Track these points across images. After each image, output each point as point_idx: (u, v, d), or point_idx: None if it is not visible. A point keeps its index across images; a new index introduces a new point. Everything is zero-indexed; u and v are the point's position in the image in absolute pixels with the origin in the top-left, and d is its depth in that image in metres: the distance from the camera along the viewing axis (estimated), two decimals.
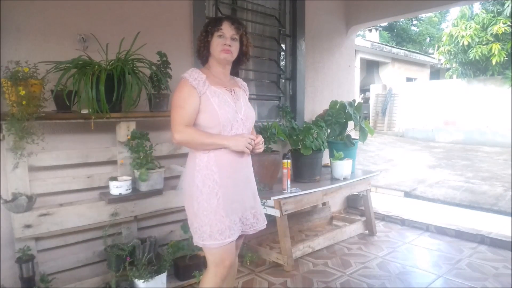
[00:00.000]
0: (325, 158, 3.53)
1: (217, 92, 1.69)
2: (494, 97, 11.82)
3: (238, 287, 2.58)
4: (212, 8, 3.21)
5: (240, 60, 1.83)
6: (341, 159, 3.28)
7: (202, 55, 1.79)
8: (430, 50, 21.31)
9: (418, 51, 19.07)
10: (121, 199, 2.35)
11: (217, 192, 1.67)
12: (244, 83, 1.91)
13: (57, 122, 2.24)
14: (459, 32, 12.05)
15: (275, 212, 2.76)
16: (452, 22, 13.13)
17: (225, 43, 1.70)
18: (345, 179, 3.28)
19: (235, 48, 1.74)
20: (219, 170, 1.68)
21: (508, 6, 11.12)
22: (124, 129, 2.38)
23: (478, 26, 11.82)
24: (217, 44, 1.71)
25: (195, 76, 1.68)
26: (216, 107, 1.66)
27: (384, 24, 19.00)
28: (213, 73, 1.77)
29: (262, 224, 1.90)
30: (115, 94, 2.14)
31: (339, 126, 3.55)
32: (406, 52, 17.17)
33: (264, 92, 3.79)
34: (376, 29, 18.93)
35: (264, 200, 2.78)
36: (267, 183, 2.92)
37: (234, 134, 1.71)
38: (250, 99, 3.76)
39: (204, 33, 1.75)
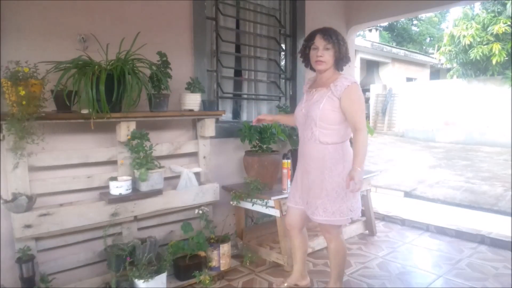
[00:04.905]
0: None
1: (303, 94, 2.25)
2: (494, 97, 11.82)
3: (238, 287, 2.58)
4: (212, 8, 3.21)
5: (338, 63, 2.11)
6: None
7: (307, 65, 2.22)
8: (430, 50, 21.31)
9: (418, 51, 19.08)
10: (121, 199, 2.35)
11: None
12: (339, 83, 2.04)
13: (57, 122, 2.24)
14: (460, 32, 12.04)
15: (275, 212, 2.76)
16: (453, 22, 13.12)
17: (318, 55, 2.05)
18: None
19: (328, 57, 2.06)
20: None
21: (509, 6, 11.11)
22: (124, 129, 2.38)
23: (478, 26, 11.82)
24: (312, 56, 2.10)
25: (305, 83, 2.33)
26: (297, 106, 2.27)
27: (384, 24, 19.00)
28: (316, 78, 2.23)
29: (310, 214, 2.17)
30: (115, 94, 2.14)
31: None
32: (406, 52, 17.18)
33: (264, 92, 3.79)
34: (376, 29, 18.94)
35: (265, 200, 2.78)
36: (267, 183, 2.92)
37: (300, 126, 2.20)
38: (249, 99, 3.77)
39: (303, 47, 2.16)
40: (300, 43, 3.79)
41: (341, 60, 2.10)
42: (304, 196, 2.21)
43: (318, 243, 3.14)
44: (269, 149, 3.06)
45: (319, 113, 2.03)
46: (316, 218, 2.11)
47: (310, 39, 2.09)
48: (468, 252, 3.18)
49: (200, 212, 2.68)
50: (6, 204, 2.04)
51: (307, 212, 2.19)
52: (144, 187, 2.43)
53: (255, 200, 2.83)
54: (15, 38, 2.17)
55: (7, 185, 2.13)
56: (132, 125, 2.40)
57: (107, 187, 2.39)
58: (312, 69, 2.19)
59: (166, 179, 2.65)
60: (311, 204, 2.14)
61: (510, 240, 3.24)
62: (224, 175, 3.19)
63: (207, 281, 2.48)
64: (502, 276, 2.73)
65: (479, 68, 12.30)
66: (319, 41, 2.05)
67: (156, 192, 2.48)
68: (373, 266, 2.90)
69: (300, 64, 3.81)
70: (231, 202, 2.91)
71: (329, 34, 2.05)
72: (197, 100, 2.74)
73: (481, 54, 11.59)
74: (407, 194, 5.45)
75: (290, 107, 3.79)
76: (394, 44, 20.47)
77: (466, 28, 11.95)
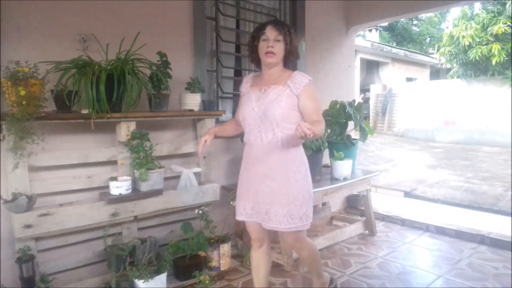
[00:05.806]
0: (325, 158, 3.53)
1: (248, 93, 2.01)
2: (494, 97, 11.82)
3: (238, 287, 2.58)
4: (212, 8, 3.21)
5: (288, 58, 1.99)
6: (341, 159, 3.27)
7: (254, 60, 2.04)
8: (430, 50, 21.30)
9: (418, 51, 19.07)
10: (121, 199, 2.35)
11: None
12: (298, 80, 1.92)
13: (57, 122, 2.24)
14: (460, 32, 12.04)
15: None
16: (452, 22, 13.12)
17: (268, 45, 1.88)
18: (345, 179, 3.28)
19: (278, 49, 1.90)
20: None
21: (509, 6, 11.10)
22: (124, 129, 2.38)
23: (478, 26, 11.82)
24: (261, 48, 1.92)
25: (244, 81, 2.10)
26: (240, 106, 2.04)
27: (384, 24, 18.99)
28: (262, 74, 2.03)
29: (274, 224, 1.93)
30: (115, 94, 2.14)
31: (339, 126, 3.55)
32: (406, 52, 17.16)
33: None
34: (376, 29, 18.92)
35: None
36: None
37: (252, 128, 1.95)
38: None
39: (251, 38, 1.99)
40: (300, 43, 3.79)
41: (291, 54, 1.97)
42: (262, 206, 1.95)
43: (318, 243, 3.14)
44: None
45: (281, 112, 1.86)
46: (283, 227, 1.90)
47: (260, 29, 1.93)
48: (468, 252, 3.18)
49: (200, 212, 2.68)
50: (6, 204, 2.04)
51: (268, 224, 1.94)
52: (144, 187, 2.43)
53: None
54: (15, 38, 2.17)
55: (7, 185, 2.13)
56: (132, 125, 2.40)
57: (107, 187, 2.39)
58: (258, 65, 2.05)
59: (166, 179, 2.65)
60: (276, 213, 1.90)
61: (510, 240, 3.24)
62: (224, 175, 3.19)
63: (207, 281, 2.48)
64: (502, 276, 2.73)
65: (479, 68, 12.29)
66: (270, 32, 1.89)
67: (156, 192, 2.49)
68: (373, 266, 2.91)
69: (300, 64, 3.85)
70: (231, 202, 2.90)
71: (281, 25, 1.93)
72: (197, 100, 2.74)
73: (480, 54, 11.59)
74: (407, 194, 5.45)
75: None
76: (394, 44, 20.47)
77: (466, 28, 11.95)
